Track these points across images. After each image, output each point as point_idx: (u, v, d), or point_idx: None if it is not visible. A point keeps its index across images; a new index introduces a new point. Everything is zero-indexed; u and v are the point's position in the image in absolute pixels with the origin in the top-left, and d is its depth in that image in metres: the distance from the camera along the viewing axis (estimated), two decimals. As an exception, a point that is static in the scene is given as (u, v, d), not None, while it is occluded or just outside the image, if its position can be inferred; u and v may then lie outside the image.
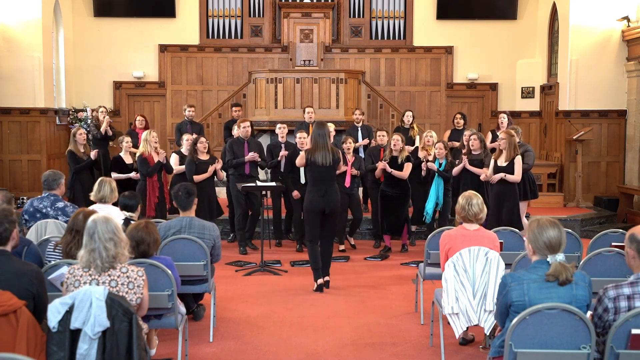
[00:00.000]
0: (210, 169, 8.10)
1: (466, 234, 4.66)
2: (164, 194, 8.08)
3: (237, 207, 8.59)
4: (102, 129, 9.77)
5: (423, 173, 8.33)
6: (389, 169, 8.14)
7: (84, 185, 8.19)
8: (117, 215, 5.20)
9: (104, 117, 10.13)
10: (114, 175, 8.14)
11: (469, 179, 7.95)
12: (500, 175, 7.35)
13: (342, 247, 8.70)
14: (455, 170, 8.06)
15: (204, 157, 8.21)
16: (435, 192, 8.25)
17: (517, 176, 7.35)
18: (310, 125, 9.51)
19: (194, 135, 9.41)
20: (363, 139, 9.82)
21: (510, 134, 7.48)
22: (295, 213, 8.74)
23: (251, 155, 8.40)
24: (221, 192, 9.80)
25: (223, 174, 8.48)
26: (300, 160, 6.72)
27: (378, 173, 8.38)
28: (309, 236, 6.76)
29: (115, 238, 3.60)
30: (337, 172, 6.87)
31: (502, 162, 7.46)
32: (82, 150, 8.46)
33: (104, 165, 9.21)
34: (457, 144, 9.18)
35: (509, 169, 7.37)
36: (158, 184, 8.00)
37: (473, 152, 8.06)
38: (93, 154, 8.54)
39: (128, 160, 8.41)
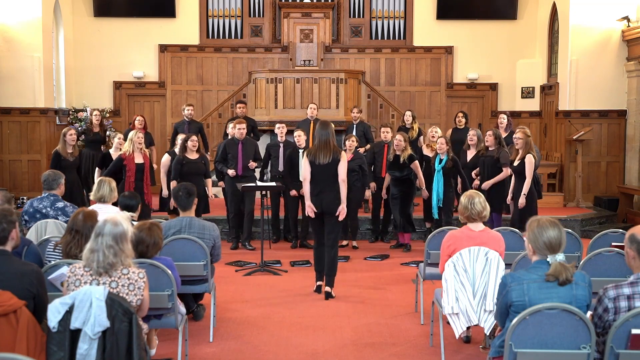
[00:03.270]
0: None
1: (472, 235, 4.61)
2: (144, 195, 7.90)
3: (230, 207, 8.64)
4: (95, 128, 9.87)
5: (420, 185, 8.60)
6: (425, 193, 8.48)
7: (66, 184, 8.08)
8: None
9: (98, 120, 10.16)
10: (97, 171, 8.23)
11: (486, 178, 8.04)
12: (523, 200, 7.40)
13: (345, 242, 8.73)
14: (486, 184, 8.07)
15: (193, 156, 8.20)
16: (435, 189, 8.28)
17: (528, 178, 7.41)
18: (312, 121, 9.52)
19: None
20: (357, 137, 9.76)
21: (527, 133, 7.54)
22: (291, 212, 8.78)
23: (231, 173, 8.44)
24: (220, 193, 9.82)
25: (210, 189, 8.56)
26: (305, 165, 6.42)
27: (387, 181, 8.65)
28: (313, 236, 6.73)
29: (115, 247, 3.57)
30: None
31: (515, 161, 7.53)
32: (69, 151, 8.37)
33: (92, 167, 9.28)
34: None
35: (520, 168, 7.42)
36: (134, 185, 7.86)
37: (489, 149, 8.11)
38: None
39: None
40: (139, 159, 7.95)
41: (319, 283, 6.66)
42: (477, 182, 8.29)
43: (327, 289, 6.50)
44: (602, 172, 11.51)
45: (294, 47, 12.91)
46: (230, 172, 8.45)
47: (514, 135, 7.84)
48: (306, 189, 6.41)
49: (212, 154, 10.53)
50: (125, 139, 8.63)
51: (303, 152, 7.13)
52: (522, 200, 7.39)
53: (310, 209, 6.34)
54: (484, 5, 13.01)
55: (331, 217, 6.43)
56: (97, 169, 8.54)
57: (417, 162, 8.40)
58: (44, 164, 11.29)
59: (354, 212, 8.76)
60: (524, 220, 7.12)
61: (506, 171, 7.90)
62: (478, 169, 8.33)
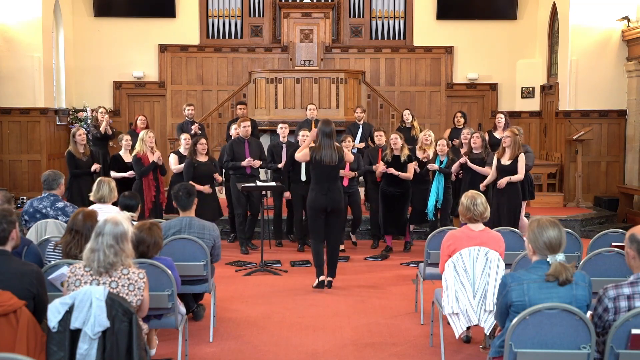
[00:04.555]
0: (208, 187, 8.04)
1: (472, 235, 4.62)
2: (159, 194, 8.07)
3: (237, 207, 8.59)
4: (102, 129, 9.77)
5: (416, 170, 8.33)
6: (395, 172, 8.18)
7: (81, 187, 8.08)
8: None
9: (104, 117, 10.13)
10: (113, 174, 8.17)
11: (470, 178, 7.99)
12: (506, 179, 7.48)
13: (342, 246, 8.69)
14: (455, 167, 8.09)
15: (203, 158, 8.18)
16: (435, 190, 8.26)
17: (520, 175, 7.48)
18: (312, 122, 9.52)
19: (194, 129, 9.48)
20: (363, 137, 9.80)
21: (515, 132, 7.59)
22: (296, 213, 8.74)
23: (248, 161, 8.38)
24: (220, 192, 9.79)
25: (220, 178, 8.48)
26: (303, 156, 6.70)
27: (378, 174, 8.39)
28: (313, 234, 6.80)
29: (116, 247, 3.56)
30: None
31: (505, 160, 7.53)
32: (81, 151, 8.37)
33: (103, 165, 9.20)
34: (457, 141, 9.19)
35: (513, 167, 7.43)
36: (154, 183, 7.99)
37: (474, 151, 8.09)
38: (94, 168, 8.35)
39: (127, 158, 8.39)
40: (152, 158, 8.03)
41: (321, 278, 6.71)
42: (459, 162, 8.19)
43: (329, 278, 6.79)
44: (602, 172, 11.52)
45: (294, 47, 12.91)
46: (246, 161, 8.37)
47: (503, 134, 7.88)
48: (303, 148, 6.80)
49: (211, 154, 10.50)
50: (130, 139, 8.64)
51: None
52: (503, 181, 7.49)
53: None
54: (484, 5, 13.01)
55: (336, 216, 6.72)
56: (111, 172, 8.46)
57: (413, 164, 8.35)
58: (44, 164, 11.30)
59: (358, 211, 8.75)
60: (515, 218, 7.22)
61: (487, 169, 7.87)
62: (462, 172, 8.29)
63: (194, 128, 9.67)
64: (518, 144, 7.51)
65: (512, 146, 7.48)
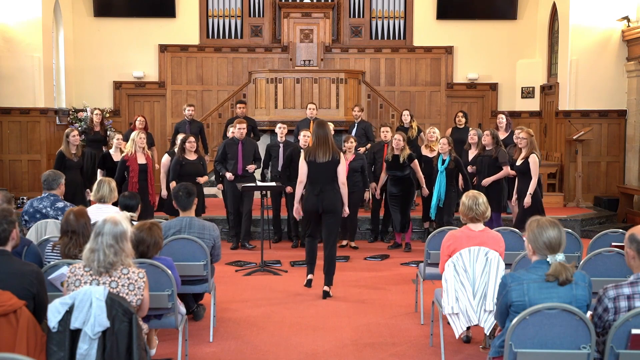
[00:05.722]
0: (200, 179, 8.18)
1: (471, 235, 4.62)
2: (148, 196, 8.02)
3: (230, 206, 8.65)
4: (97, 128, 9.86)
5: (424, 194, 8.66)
6: (425, 191, 8.55)
7: (67, 184, 8.07)
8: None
9: (99, 119, 10.14)
10: (100, 172, 8.22)
11: (483, 176, 8.13)
12: (529, 199, 7.41)
13: (344, 242, 8.74)
14: (485, 181, 8.13)
15: (192, 157, 8.21)
16: (437, 189, 8.30)
17: (534, 178, 7.44)
18: (312, 121, 9.53)
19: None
20: (357, 136, 9.77)
21: (530, 133, 7.64)
22: (290, 211, 8.79)
23: (229, 176, 8.46)
24: (219, 193, 9.81)
25: (203, 179, 8.47)
26: (302, 166, 6.45)
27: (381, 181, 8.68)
28: (308, 231, 6.67)
29: (116, 247, 3.57)
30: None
31: (518, 160, 7.59)
32: (73, 152, 8.35)
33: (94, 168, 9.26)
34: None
35: (524, 167, 7.45)
36: (138, 185, 7.92)
37: (487, 148, 8.15)
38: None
39: (117, 157, 8.37)
40: (141, 160, 8.01)
41: (309, 277, 6.67)
42: (475, 179, 8.33)
43: (326, 288, 6.52)
44: (602, 172, 11.52)
45: (294, 47, 12.91)
46: (228, 175, 8.45)
47: (516, 135, 7.86)
48: (298, 191, 6.50)
49: (212, 154, 10.55)
50: (125, 140, 8.65)
51: None
52: (527, 200, 7.42)
53: (297, 212, 6.48)
54: (484, 5, 13.01)
55: (331, 217, 6.45)
56: (98, 170, 8.51)
57: (416, 160, 8.45)
58: (44, 164, 11.29)
59: (354, 213, 8.77)
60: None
61: (506, 169, 7.96)
62: (475, 167, 8.38)
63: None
64: (533, 144, 7.54)
65: (528, 147, 7.49)
